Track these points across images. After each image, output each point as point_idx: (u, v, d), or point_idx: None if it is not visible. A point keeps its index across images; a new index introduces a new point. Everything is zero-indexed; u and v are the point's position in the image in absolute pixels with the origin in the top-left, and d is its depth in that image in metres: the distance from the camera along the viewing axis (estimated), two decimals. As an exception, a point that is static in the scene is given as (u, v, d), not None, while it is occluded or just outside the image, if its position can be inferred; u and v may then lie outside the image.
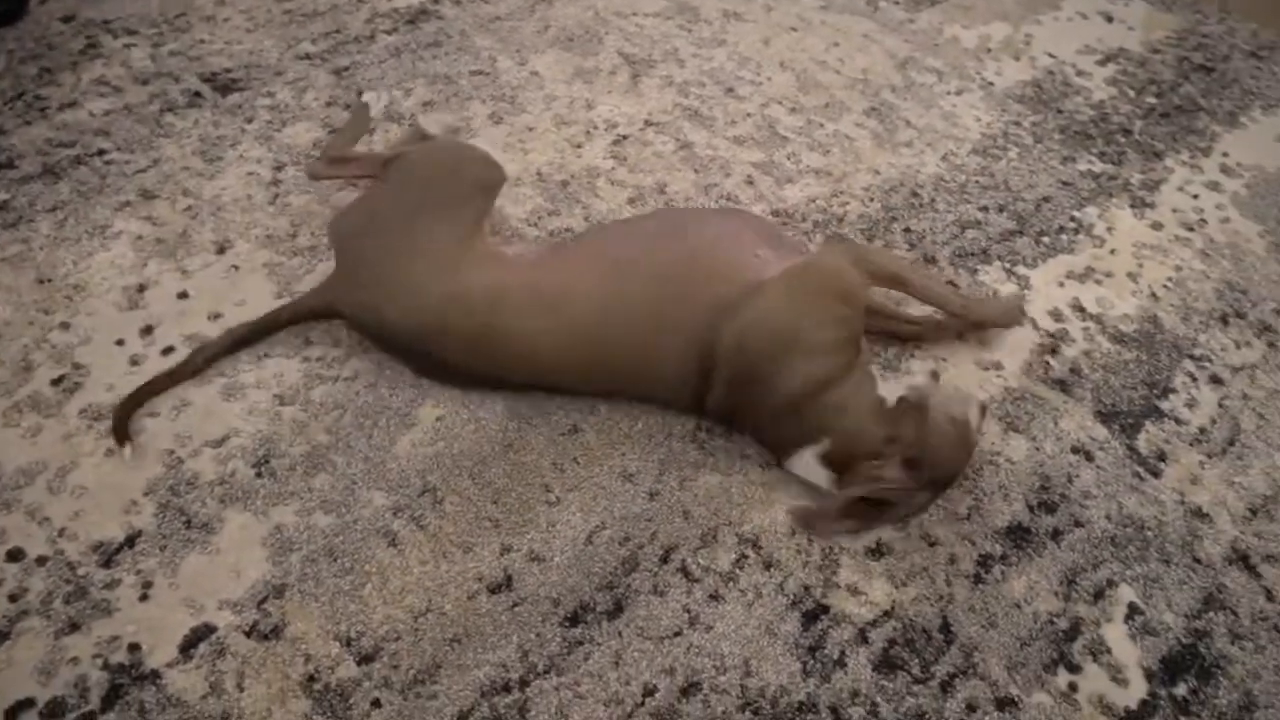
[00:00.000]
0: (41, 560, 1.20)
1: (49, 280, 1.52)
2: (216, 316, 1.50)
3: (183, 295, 1.53)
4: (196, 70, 1.97)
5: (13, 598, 1.16)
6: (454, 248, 1.40)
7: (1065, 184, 2.02)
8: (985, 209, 1.91)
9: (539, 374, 1.41)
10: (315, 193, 1.72)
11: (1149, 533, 1.42)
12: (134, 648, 1.13)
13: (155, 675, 1.11)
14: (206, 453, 1.33)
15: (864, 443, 1.31)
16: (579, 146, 1.90)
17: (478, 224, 1.46)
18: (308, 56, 2.05)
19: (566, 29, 2.22)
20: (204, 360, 1.42)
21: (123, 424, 1.33)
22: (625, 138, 1.94)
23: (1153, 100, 2.31)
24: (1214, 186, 2.07)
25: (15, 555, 1.20)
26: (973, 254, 1.81)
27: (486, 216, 1.51)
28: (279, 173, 1.76)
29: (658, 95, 2.06)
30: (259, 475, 1.31)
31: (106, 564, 1.20)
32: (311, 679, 1.12)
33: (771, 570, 1.29)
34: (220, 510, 1.27)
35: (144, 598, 1.17)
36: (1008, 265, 1.80)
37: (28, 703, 1.07)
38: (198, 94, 1.91)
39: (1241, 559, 1.40)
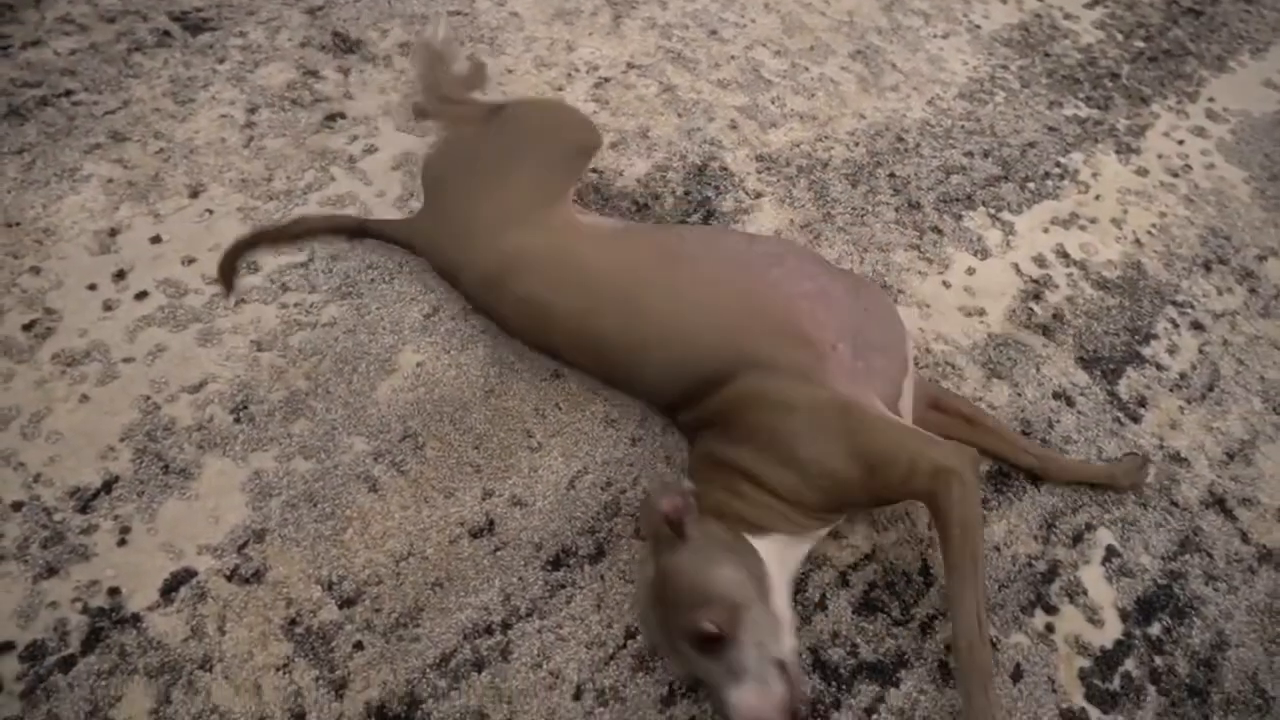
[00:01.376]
0: (17, 505, 1.18)
1: (17, 224, 1.48)
2: (191, 261, 1.47)
3: (155, 240, 1.49)
4: (165, 8, 1.91)
5: (-11, 543, 1.15)
6: (537, 206, 1.37)
7: (1051, 129, 2.00)
8: (970, 154, 1.90)
9: (552, 342, 1.34)
10: (290, 136, 1.68)
11: (1127, 477, 1.43)
12: (114, 592, 1.12)
13: (136, 619, 1.11)
14: (184, 398, 1.31)
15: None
16: (560, 89, 1.87)
17: (566, 186, 1.45)
18: (281, -5, 1.99)
19: (547, -32, 2.17)
20: (304, 229, 1.51)
21: (228, 275, 1.43)
22: (607, 80, 1.90)
23: (1141, 44, 2.29)
24: (1200, 132, 2.06)
25: (-10, 501, 1.18)
26: (957, 199, 1.79)
27: (576, 181, 1.50)
28: (253, 115, 1.71)
29: (640, 37, 2.02)
30: (237, 421, 1.30)
31: (84, 509, 1.18)
32: (293, 622, 1.12)
33: (753, 514, 1.29)
34: (198, 456, 1.26)
35: (122, 543, 1.17)
36: (992, 211, 1.79)
37: (7, 646, 1.07)
38: (167, 33, 1.86)
39: (1218, 502, 1.42)
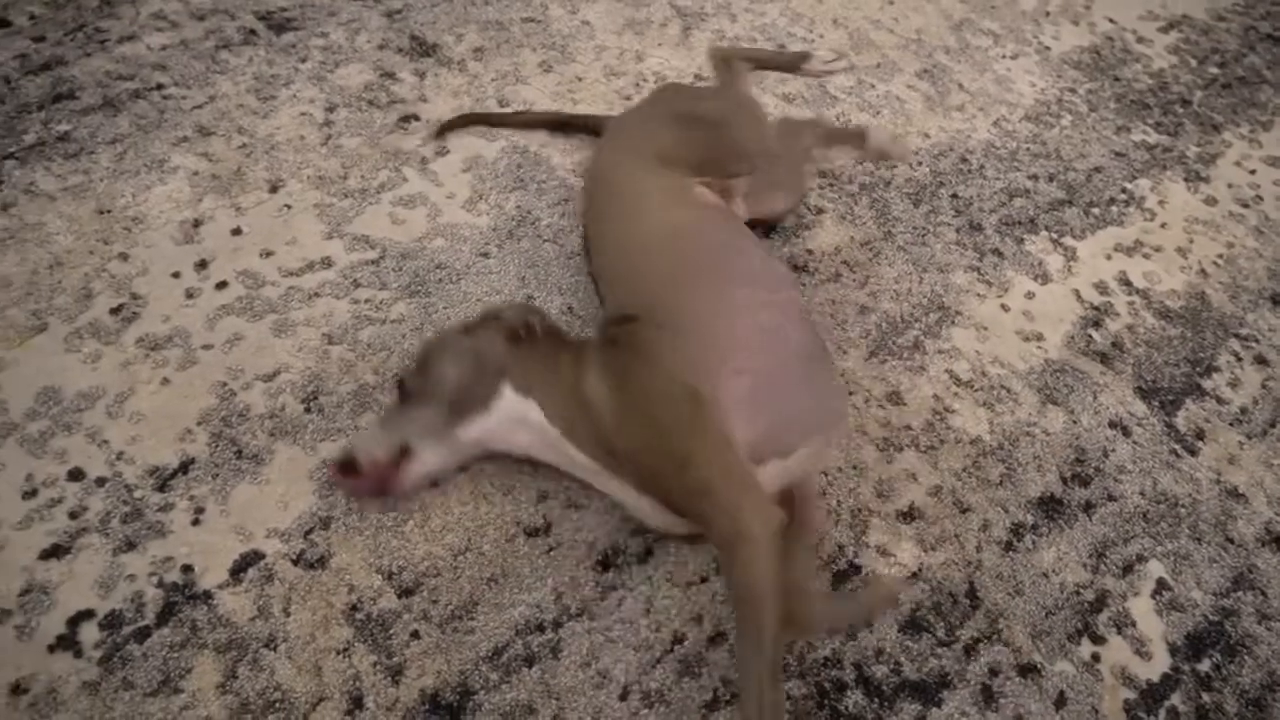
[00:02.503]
0: (100, 481, 1.24)
1: (108, 211, 1.55)
2: (268, 254, 1.53)
3: (236, 232, 1.56)
4: (251, 7, 1.98)
5: (73, 514, 1.21)
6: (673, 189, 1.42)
7: (1118, 154, 1.99)
8: (1035, 177, 1.89)
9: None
10: (365, 136, 1.73)
11: (1182, 510, 1.42)
12: (187, 569, 1.18)
13: (207, 596, 1.16)
14: (258, 386, 1.37)
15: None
16: (628, 99, 1.90)
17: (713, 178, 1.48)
18: (361, -3, 2.05)
19: (620, -22, 2.20)
20: (528, 120, 1.78)
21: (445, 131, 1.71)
22: (675, 91, 1.93)
23: (1215, 70, 2.26)
24: (1273, 162, 2.03)
25: (76, 475, 1.24)
26: (1020, 223, 1.79)
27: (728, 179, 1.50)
28: (331, 114, 1.77)
29: (708, 48, 2.05)
30: (308, 411, 1.35)
31: (161, 488, 1.24)
32: (354, 608, 1.17)
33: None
34: (270, 443, 1.31)
35: (196, 522, 1.22)
36: (1055, 235, 1.78)
37: (88, 613, 1.13)
38: (253, 31, 1.93)
39: (1275, 540, 1.41)
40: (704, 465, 1.09)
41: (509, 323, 1.24)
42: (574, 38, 2.02)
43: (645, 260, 1.32)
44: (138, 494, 1.23)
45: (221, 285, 1.48)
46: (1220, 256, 1.80)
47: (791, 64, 1.76)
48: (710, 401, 1.12)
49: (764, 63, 1.79)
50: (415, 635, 1.15)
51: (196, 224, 1.56)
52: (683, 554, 1.26)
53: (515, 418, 1.20)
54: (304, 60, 1.88)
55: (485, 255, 1.57)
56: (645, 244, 1.34)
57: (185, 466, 1.27)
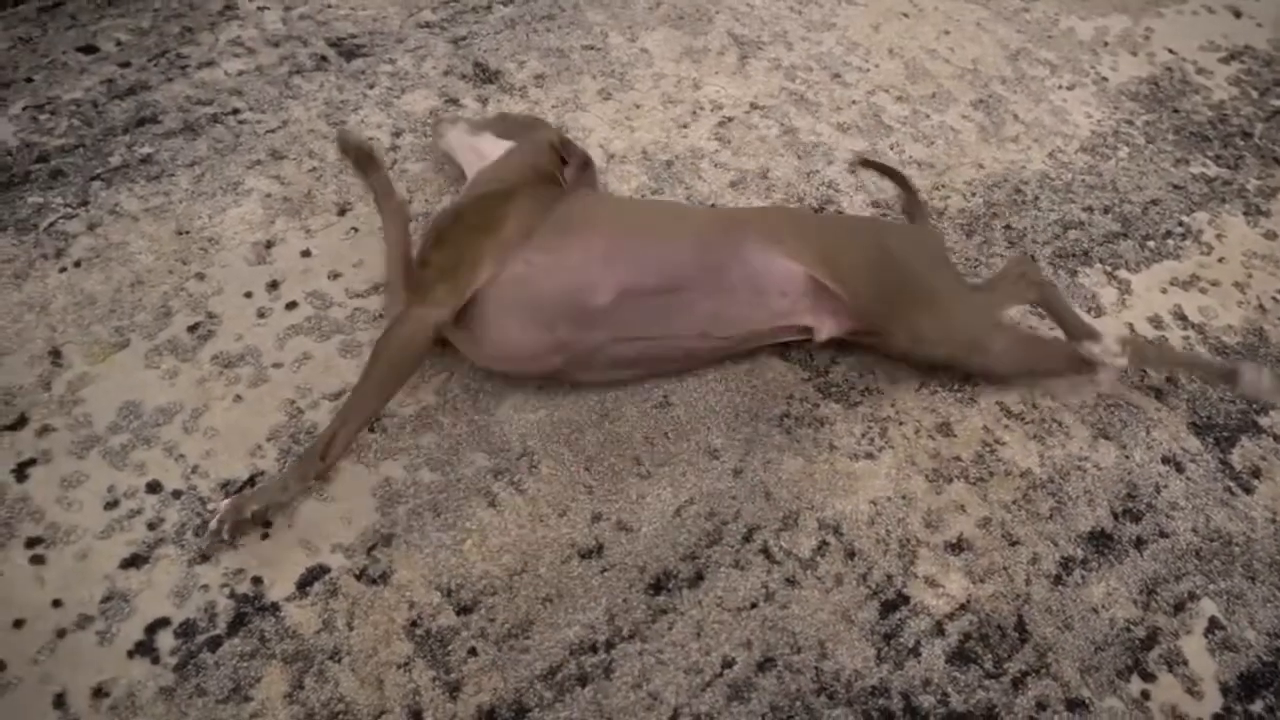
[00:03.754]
0: (177, 494, 1.30)
1: (187, 232, 1.62)
2: (336, 275, 1.58)
3: (306, 254, 1.62)
4: (323, 35, 2.06)
5: (151, 525, 1.27)
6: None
7: (1176, 187, 1.98)
8: (1090, 209, 1.89)
9: None
10: (430, 160, 1.79)
11: (1236, 548, 1.41)
12: (256, 581, 1.23)
13: (275, 608, 1.21)
14: (324, 405, 1.42)
15: None
16: (685, 126, 1.94)
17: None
18: (428, 25, 2.11)
19: (678, 7, 2.25)
20: (904, 182, 1.82)
21: (865, 166, 1.87)
22: (730, 120, 1.97)
23: (1277, 102, 2.24)
24: (1335, 197, 2.01)
25: (154, 487, 1.31)
26: (1074, 255, 1.79)
27: None
28: (397, 139, 1.84)
29: (764, 78, 2.08)
30: (371, 430, 1.40)
31: (234, 502, 1.30)
32: (414, 624, 1.21)
33: (854, 560, 1.32)
34: (335, 460, 1.36)
35: (265, 536, 1.27)
36: (1109, 268, 1.78)
37: (164, 621, 1.18)
38: (324, 58, 2.00)
39: (1331, 582, 1.39)
40: (449, 238, 1.40)
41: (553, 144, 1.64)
42: (633, 65, 2.07)
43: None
44: (211, 507, 1.29)
45: (291, 305, 1.54)
46: (1279, 292, 1.79)
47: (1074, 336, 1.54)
48: (513, 196, 1.45)
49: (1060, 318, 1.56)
50: (473, 652, 1.19)
51: (268, 245, 1.62)
52: (733, 580, 1.29)
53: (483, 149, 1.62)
54: (372, 86, 1.95)
55: (544, 280, 1.61)
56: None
57: (254, 480, 1.32)
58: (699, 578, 1.29)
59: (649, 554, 1.31)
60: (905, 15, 2.34)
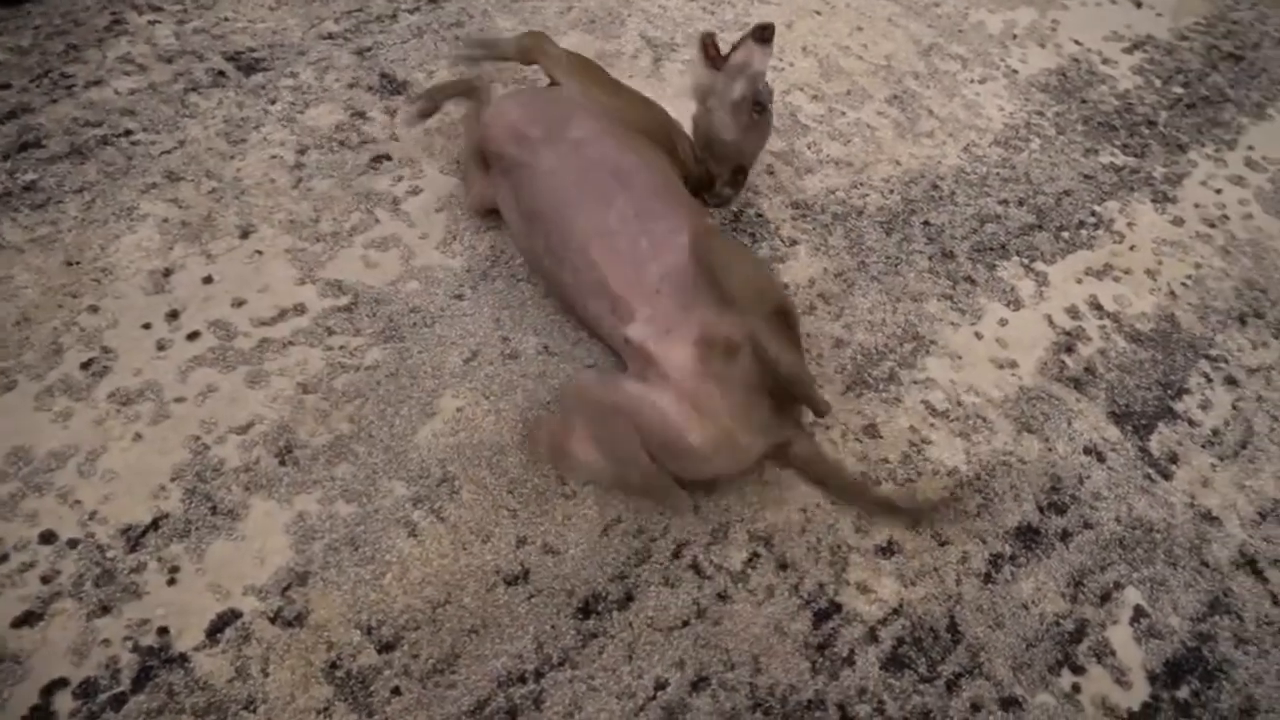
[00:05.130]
0: (73, 543, 1.23)
1: (77, 263, 1.54)
2: (240, 303, 1.52)
3: (207, 280, 1.55)
4: (220, 49, 1.97)
5: (45, 579, 1.19)
6: None
7: (1087, 177, 2.01)
8: (1005, 202, 1.91)
9: None
10: (337, 177, 1.73)
11: (1157, 535, 1.43)
12: (163, 631, 1.17)
13: (183, 658, 1.15)
14: (232, 439, 1.36)
15: None
16: (600, 133, 1.90)
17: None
18: (330, 36, 2.04)
19: (589, 10, 2.21)
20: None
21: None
22: (646, 124, 1.94)
23: (1179, 90, 2.29)
24: (1238, 181, 2.06)
25: (48, 538, 1.23)
26: (991, 249, 1.81)
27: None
28: (302, 156, 1.77)
29: (679, 80, 2.06)
30: (282, 463, 1.34)
31: (134, 548, 1.23)
32: (334, 666, 1.16)
33: (786, 570, 1.31)
34: (245, 497, 1.30)
35: (172, 582, 1.21)
36: (1026, 261, 1.80)
37: (61, 682, 1.11)
38: (222, 73, 1.92)
39: (1249, 563, 1.42)
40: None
41: None
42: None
43: None
44: (110, 555, 1.22)
45: (193, 336, 1.47)
46: (1189, 277, 1.83)
47: None
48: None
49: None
50: (396, 691, 1.15)
51: (167, 273, 1.55)
52: (664, 598, 1.26)
53: None
54: (274, 101, 1.87)
55: (459, 297, 1.57)
56: None
57: (158, 524, 1.26)
58: (629, 598, 1.26)
59: (577, 576, 1.27)
60: (818, 13, 2.34)
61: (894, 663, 1.25)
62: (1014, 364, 1.62)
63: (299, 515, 1.29)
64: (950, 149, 2.01)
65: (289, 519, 1.29)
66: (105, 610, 1.17)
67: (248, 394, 1.41)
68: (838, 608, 1.29)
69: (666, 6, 2.26)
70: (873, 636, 1.27)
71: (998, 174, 1.97)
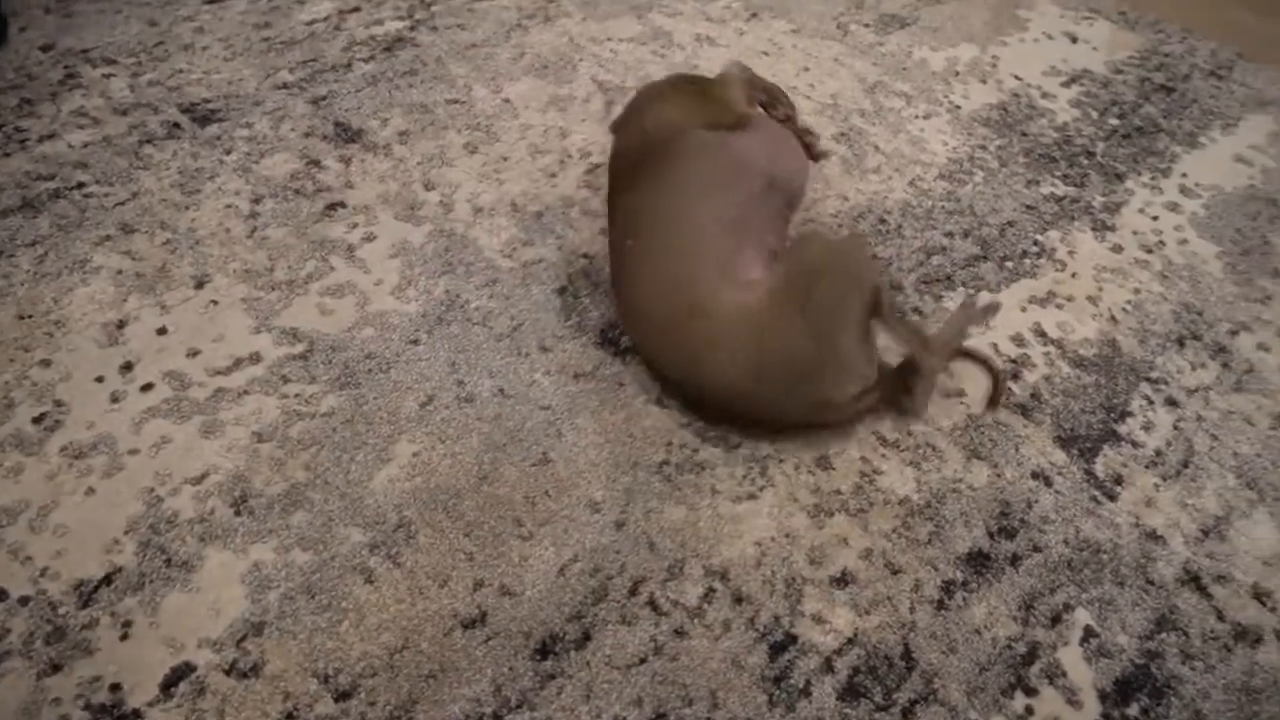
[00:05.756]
0: (24, 600, 1.22)
1: (29, 316, 1.54)
2: (195, 353, 1.52)
3: (162, 331, 1.55)
4: (175, 100, 1.99)
5: (-4, 639, 1.18)
6: None
7: (1029, 208, 2.07)
8: (951, 234, 1.96)
9: None
10: (292, 226, 1.75)
11: (1105, 556, 1.47)
12: (115, 688, 1.16)
13: (137, 715, 1.14)
14: (186, 490, 1.36)
15: None
16: (553, 176, 1.94)
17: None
18: (285, 86, 2.07)
19: (541, 56, 2.26)
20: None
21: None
22: (599, 166, 1.98)
23: (1115, 121, 2.37)
24: (1173, 208, 2.13)
25: (-2, 596, 1.22)
26: (938, 280, 1.85)
27: None
28: (257, 205, 1.78)
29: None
30: (238, 513, 1.34)
31: (86, 603, 1.22)
32: (290, 716, 1.15)
33: (742, 604, 1.33)
34: (200, 548, 1.30)
35: (124, 637, 1.20)
36: (971, 290, 1.84)
37: (12, 745, 1.10)
38: (176, 125, 1.94)
39: (1193, 580, 1.45)
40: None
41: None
42: (498, 117, 2.06)
43: None
44: (62, 611, 1.21)
45: (147, 387, 1.47)
46: (1129, 303, 1.88)
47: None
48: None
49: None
50: (353, 740, 1.15)
51: (120, 325, 1.55)
52: (621, 636, 1.27)
53: None
54: (229, 152, 1.89)
55: (415, 342, 1.58)
56: None
57: (110, 578, 1.25)
58: (586, 637, 1.27)
59: (534, 618, 1.28)
60: (765, 54, 2.40)
61: (850, 692, 1.26)
62: (962, 393, 1.66)
63: (254, 565, 1.29)
64: (896, 184, 2.07)
65: (244, 569, 1.29)
66: (56, 668, 1.17)
67: (202, 444, 1.41)
68: (794, 639, 1.30)
69: (617, 51, 2.32)
70: (829, 667, 1.28)
71: (943, 207, 2.03)
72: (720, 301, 1.44)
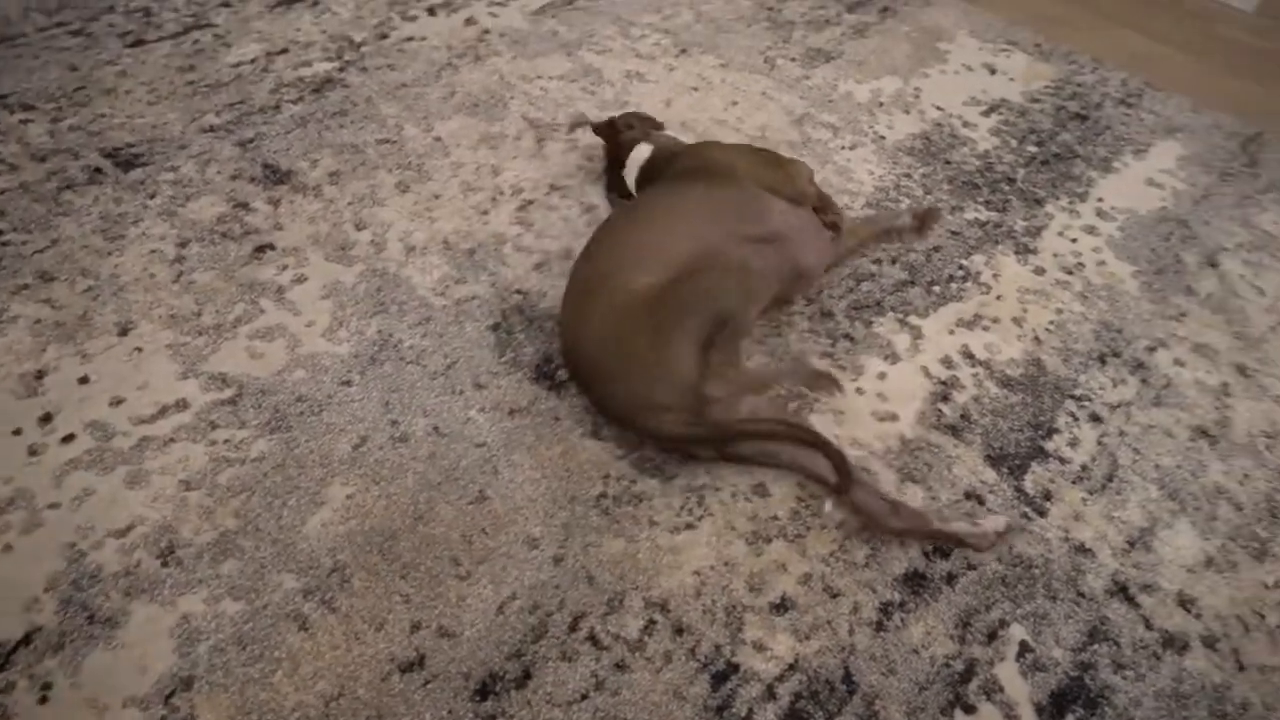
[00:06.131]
0: (-63, 666, 1.17)
1: (-58, 371, 1.49)
2: (119, 401, 1.49)
3: (84, 380, 1.51)
4: (97, 145, 1.96)
5: (-94, 707, 1.14)
6: None
7: (954, 233, 2.12)
8: (879, 261, 2.00)
9: None
10: (219, 269, 1.72)
11: (1036, 571, 1.50)
12: (35, 753, 1.12)
13: (58, 780, 1.10)
14: (110, 543, 1.32)
15: None
16: (485, 213, 1.94)
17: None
18: (212, 129, 2.05)
19: (472, 94, 2.27)
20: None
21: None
22: (531, 202, 1.99)
23: (1033, 148, 2.45)
24: (1091, 230, 2.20)
25: (-91, 663, 1.17)
26: (868, 306, 1.89)
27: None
28: (183, 249, 1.76)
29: (562, 159, 2.12)
30: (165, 564, 1.31)
31: (2, 666, 1.18)
32: (221, 772, 1.12)
33: (683, 635, 1.32)
34: (125, 603, 1.26)
35: (43, 700, 1.16)
36: (900, 316, 1.88)
37: (-77, 818, 1.06)
38: (98, 170, 1.90)
39: (1121, 590, 1.49)
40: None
41: None
42: (430, 156, 2.07)
43: None
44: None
45: (68, 439, 1.43)
46: (1051, 323, 1.94)
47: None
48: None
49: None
50: (287, 793, 1.12)
51: (39, 375, 1.51)
52: (562, 673, 1.26)
53: None
54: (153, 196, 1.86)
55: (347, 383, 1.57)
56: None
57: (30, 639, 1.21)
58: (527, 676, 1.26)
59: (473, 658, 1.26)
60: (695, 89, 2.44)
61: (793, 718, 1.27)
62: (894, 416, 1.68)
63: (183, 617, 1.26)
64: (825, 213, 2.11)
65: (172, 622, 1.25)
66: (-26, 735, 1.12)
67: (127, 495, 1.38)
68: (735, 668, 1.30)
69: (547, 88, 2.34)
70: (771, 694, 1.29)
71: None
72: (628, 279, 1.51)
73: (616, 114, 2.06)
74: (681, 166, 1.79)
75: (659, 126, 2.00)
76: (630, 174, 1.90)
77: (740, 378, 1.49)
